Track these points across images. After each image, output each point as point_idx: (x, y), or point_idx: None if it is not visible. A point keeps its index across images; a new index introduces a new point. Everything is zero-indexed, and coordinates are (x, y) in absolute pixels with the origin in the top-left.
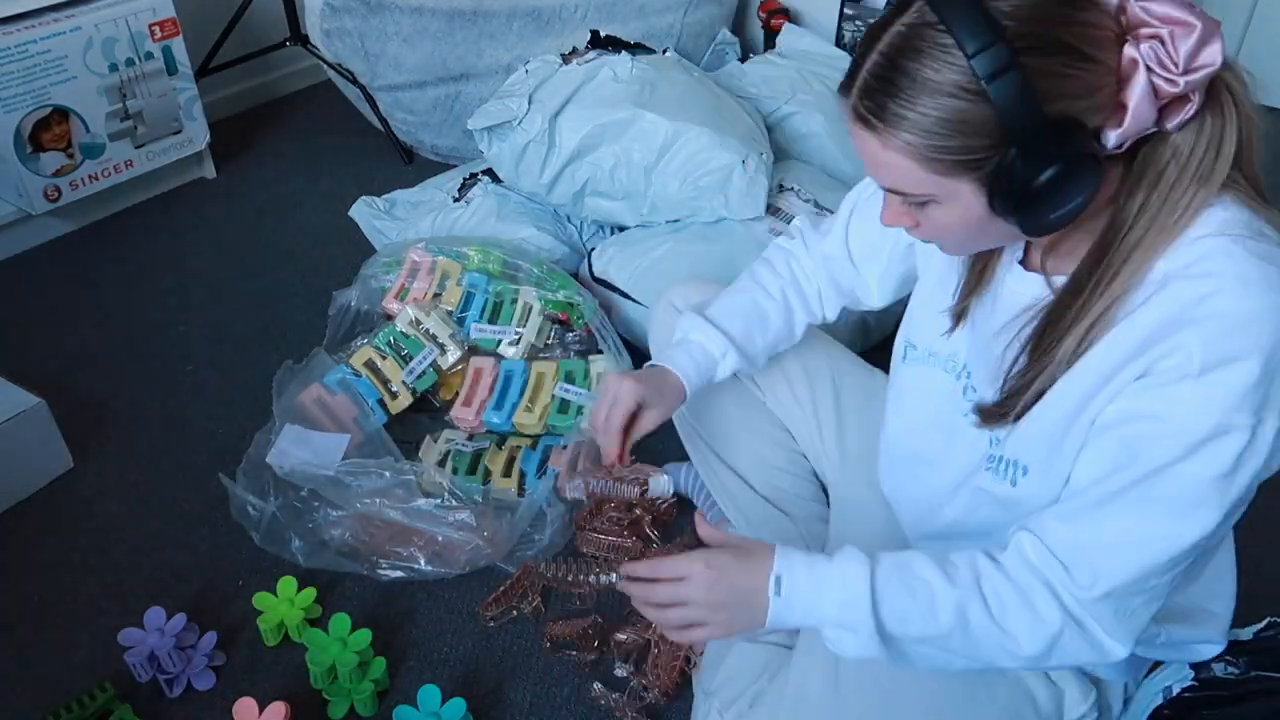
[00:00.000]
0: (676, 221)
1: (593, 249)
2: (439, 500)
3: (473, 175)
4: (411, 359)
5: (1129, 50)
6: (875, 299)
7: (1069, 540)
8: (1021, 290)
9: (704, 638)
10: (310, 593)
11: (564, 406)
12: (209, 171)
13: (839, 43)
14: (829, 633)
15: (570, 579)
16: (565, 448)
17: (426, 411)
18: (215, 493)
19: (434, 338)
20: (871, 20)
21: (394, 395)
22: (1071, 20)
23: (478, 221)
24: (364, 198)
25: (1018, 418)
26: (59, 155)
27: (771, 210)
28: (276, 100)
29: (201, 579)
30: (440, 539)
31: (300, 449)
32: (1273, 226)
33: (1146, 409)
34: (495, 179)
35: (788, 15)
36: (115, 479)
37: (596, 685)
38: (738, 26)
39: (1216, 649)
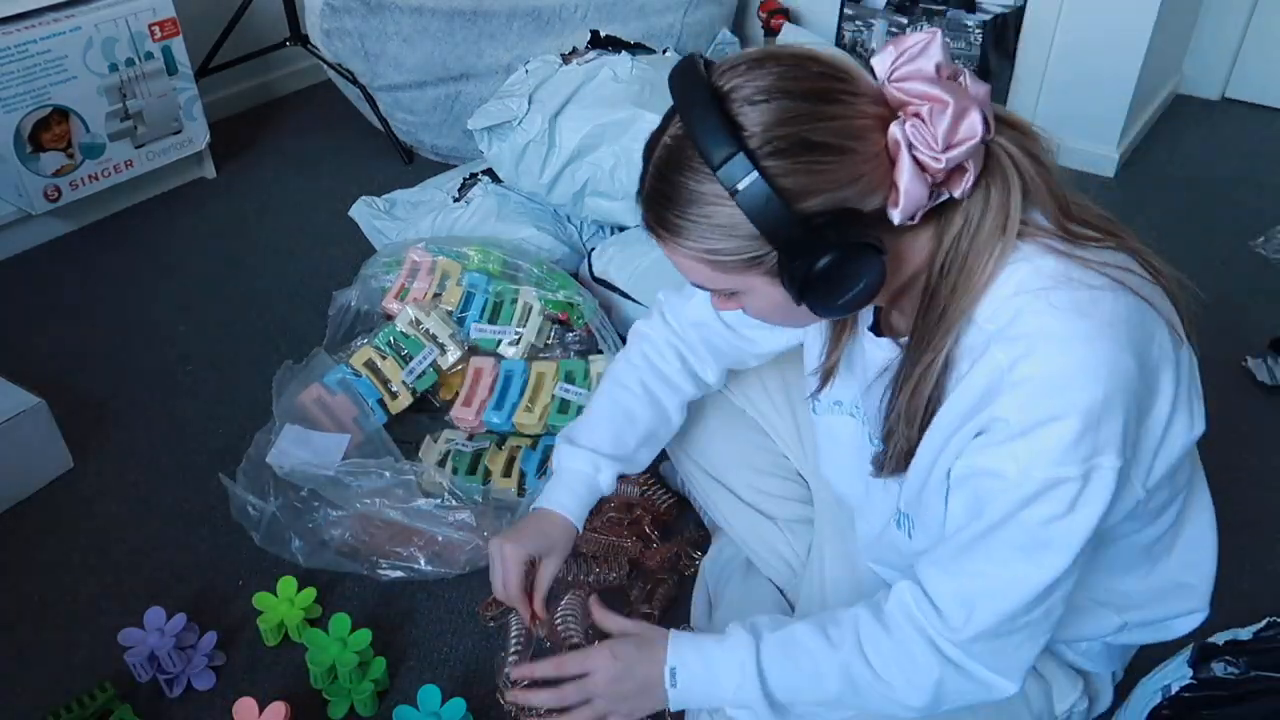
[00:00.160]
0: None
1: (593, 249)
2: (439, 500)
3: (473, 175)
4: (411, 359)
5: (894, 131)
6: (764, 348)
7: (940, 586)
8: (876, 353)
9: None
10: (310, 593)
11: (564, 406)
12: (209, 171)
13: (839, 43)
14: (730, 711)
15: (569, 578)
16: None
17: (426, 411)
18: (215, 493)
19: (434, 338)
20: (871, 20)
21: (394, 395)
22: (820, 116)
23: (478, 221)
24: (364, 198)
25: (899, 469)
26: (59, 155)
27: None
28: (276, 100)
29: (201, 579)
30: (440, 539)
31: (300, 449)
32: (1081, 264)
33: (984, 465)
34: (495, 179)
35: (787, 15)
36: (115, 479)
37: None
38: (738, 26)
39: (1198, 618)
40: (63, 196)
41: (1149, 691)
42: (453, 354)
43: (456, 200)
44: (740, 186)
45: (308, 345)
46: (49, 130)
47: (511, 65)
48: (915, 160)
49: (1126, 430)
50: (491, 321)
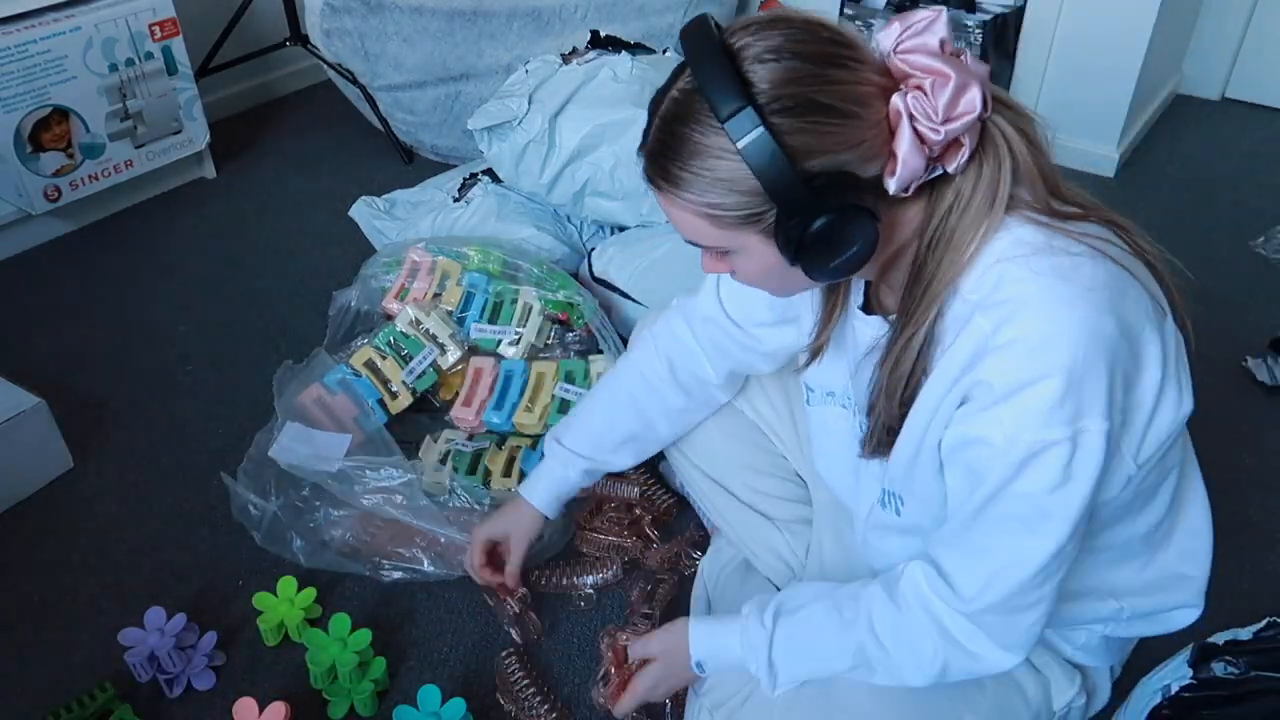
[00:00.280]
0: None
1: (593, 249)
2: (440, 500)
3: (473, 175)
4: (411, 359)
5: (895, 101)
6: (767, 346)
7: (951, 561)
8: (865, 331)
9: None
10: (310, 593)
11: (564, 406)
12: (209, 171)
13: None
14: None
15: (565, 582)
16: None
17: (426, 411)
18: (215, 493)
19: (434, 338)
20: (871, 20)
21: (394, 395)
22: (827, 79)
23: (478, 221)
24: (364, 198)
25: (886, 449)
26: (59, 155)
27: None
28: (276, 100)
29: (201, 579)
30: (442, 540)
31: (302, 446)
32: (1061, 234)
33: (972, 433)
34: (495, 179)
35: None
36: (115, 479)
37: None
38: None
39: (1195, 613)
40: (63, 196)
41: (1149, 691)
42: (453, 354)
43: (456, 200)
44: (746, 140)
45: (308, 345)
46: (49, 130)
47: (511, 65)
48: (915, 131)
49: (1112, 393)
50: (491, 321)
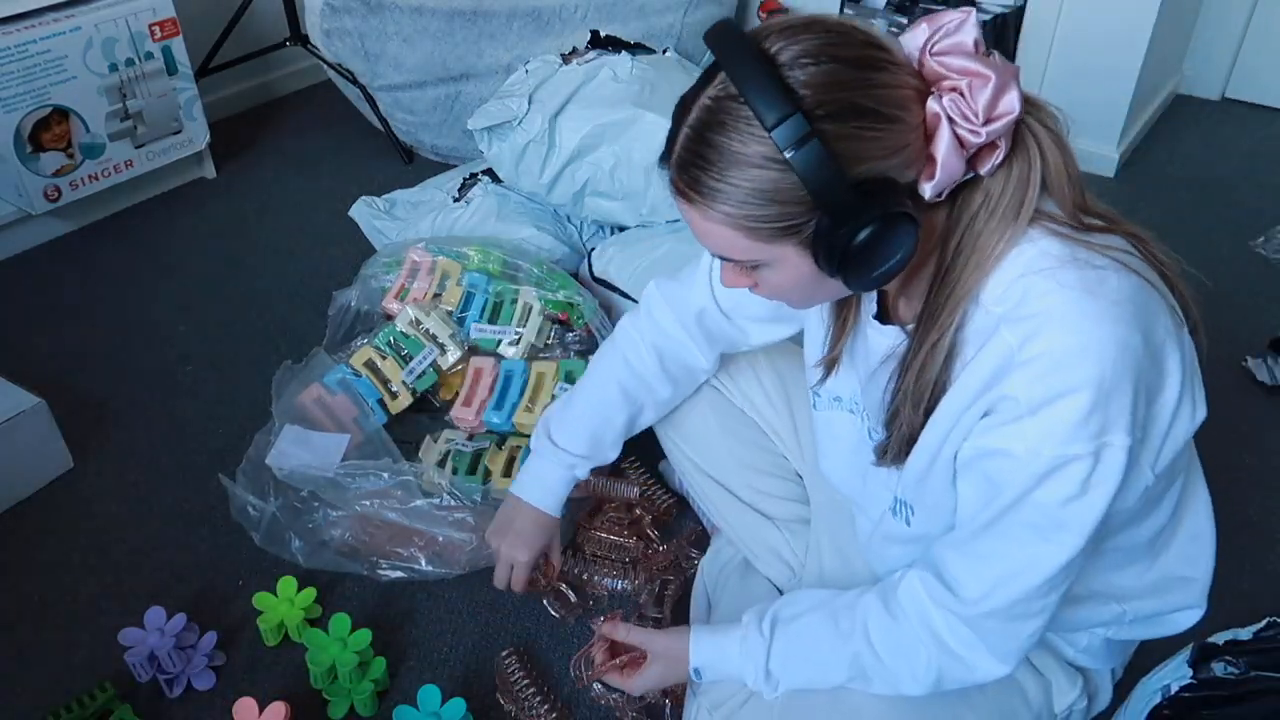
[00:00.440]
0: (676, 221)
1: (593, 249)
2: (438, 500)
3: (473, 175)
4: (411, 359)
5: (932, 104)
6: (754, 340)
7: (956, 568)
8: (880, 340)
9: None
10: (310, 593)
11: None
12: (209, 171)
13: None
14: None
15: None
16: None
17: (426, 411)
18: (215, 493)
19: (434, 338)
20: (871, 20)
21: (394, 395)
22: (868, 83)
23: (478, 221)
24: (364, 198)
25: (901, 457)
26: (59, 155)
27: None
28: (276, 100)
29: (201, 579)
30: (440, 539)
31: (300, 449)
32: (1085, 246)
33: (994, 445)
34: (495, 179)
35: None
36: (115, 479)
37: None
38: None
39: (1197, 614)
40: (63, 196)
41: (1149, 691)
42: (453, 354)
43: (456, 200)
44: (795, 147)
45: (308, 345)
46: (49, 130)
47: (511, 65)
48: (955, 134)
49: (1135, 409)
50: (491, 321)
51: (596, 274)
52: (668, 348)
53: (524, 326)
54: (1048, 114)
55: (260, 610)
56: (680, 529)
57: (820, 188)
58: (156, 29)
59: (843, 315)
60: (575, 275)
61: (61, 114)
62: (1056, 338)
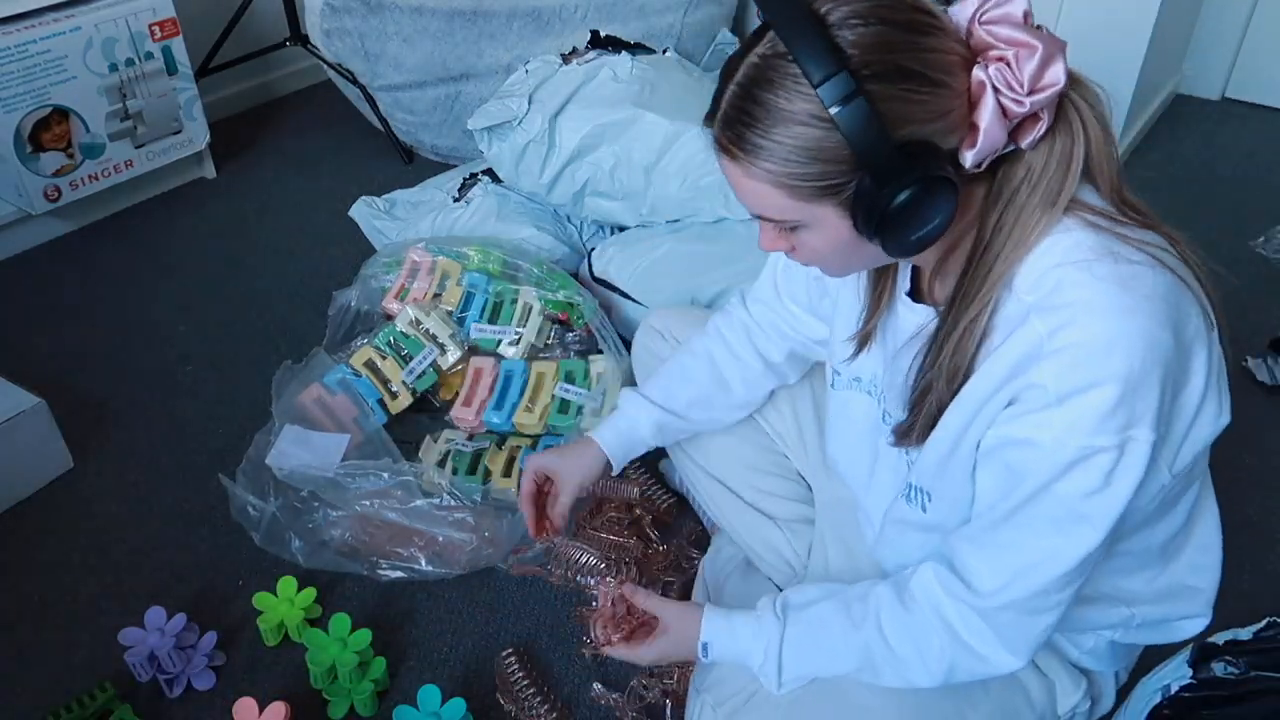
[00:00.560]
0: (676, 221)
1: (593, 249)
2: (438, 500)
3: (473, 175)
4: (411, 359)
5: (977, 72)
6: (809, 333)
7: (972, 560)
8: (910, 318)
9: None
10: (310, 593)
11: (564, 406)
12: (209, 171)
13: None
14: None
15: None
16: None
17: (426, 411)
18: (215, 493)
19: (434, 338)
20: None
21: (394, 395)
22: (916, 46)
23: (478, 221)
24: (364, 198)
25: (921, 439)
26: (59, 155)
27: None
28: (276, 100)
29: (201, 579)
30: (440, 539)
31: (300, 449)
32: (1121, 240)
33: (1019, 434)
34: (495, 179)
35: None
36: (115, 479)
37: (596, 685)
38: (738, 26)
39: (1202, 623)
40: (63, 196)
41: (1149, 691)
42: (453, 354)
43: (456, 200)
44: (841, 105)
45: (308, 345)
46: (49, 130)
47: (511, 65)
48: (999, 103)
49: (1161, 405)
50: (491, 321)
51: (596, 274)
52: (752, 329)
53: (524, 326)
54: (1091, 92)
55: (260, 610)
56: (680, 529)
57: (864, 147)
58: (156, 29)
59: (879, 289)
60: (575, 275)
61: (61, 114)
62: (1087, 329)
